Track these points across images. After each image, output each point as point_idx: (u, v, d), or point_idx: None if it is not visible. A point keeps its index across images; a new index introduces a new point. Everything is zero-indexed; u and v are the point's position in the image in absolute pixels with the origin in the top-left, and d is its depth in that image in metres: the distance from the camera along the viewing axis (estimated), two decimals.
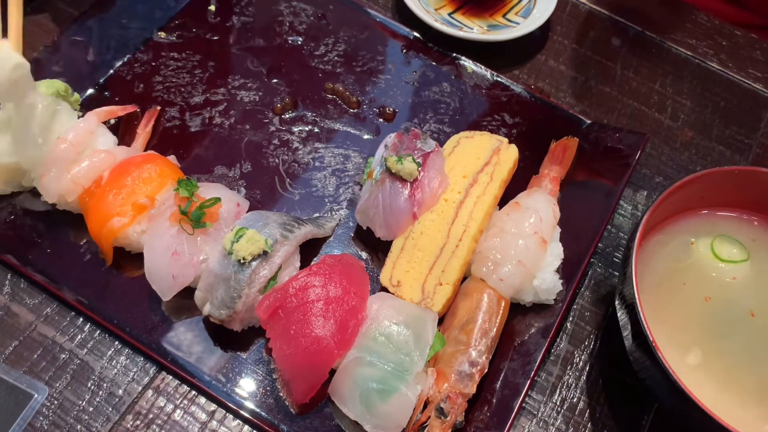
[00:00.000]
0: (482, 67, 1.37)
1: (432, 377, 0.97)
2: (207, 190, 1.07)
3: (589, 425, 1.04)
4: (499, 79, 1.36)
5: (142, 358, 1.04)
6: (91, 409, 1.00)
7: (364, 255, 1.16)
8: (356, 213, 1.15)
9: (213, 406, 1.02)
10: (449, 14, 1.46)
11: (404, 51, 1.40)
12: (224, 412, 1.01)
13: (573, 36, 1.48)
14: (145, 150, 1.21)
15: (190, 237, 1.02)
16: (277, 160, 1.24)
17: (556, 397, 1.06)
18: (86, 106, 1.24)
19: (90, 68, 1.30)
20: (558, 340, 1.11)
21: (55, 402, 1.00)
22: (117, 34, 1.34)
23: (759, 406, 0.92)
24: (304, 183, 1.22)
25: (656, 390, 0.95)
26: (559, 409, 1.06)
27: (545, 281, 1.06)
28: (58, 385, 1.01)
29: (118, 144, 1.19)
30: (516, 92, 1.35)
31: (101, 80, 1.30)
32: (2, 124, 1.12)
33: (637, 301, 0.89)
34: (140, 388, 1.02)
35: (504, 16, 1.47)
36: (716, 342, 0.96)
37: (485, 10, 1.48)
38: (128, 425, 0.99)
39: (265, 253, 1.00)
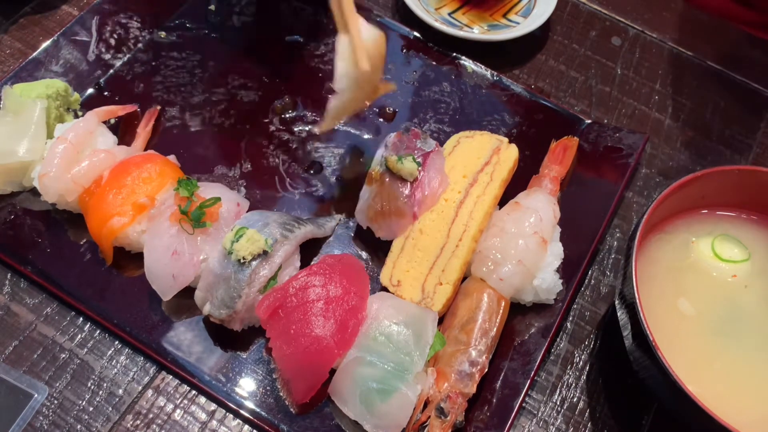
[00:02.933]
0: (482, 67, 1.37)
1: (432, 377, 0.97)
2: (207, 190, 1.07)
3: (589, 425, 1.04)
4: (499, 79, 1.36)
5: (142, 358, 1.04)
6: (91, 408, 1.00)
7: (364, 255, 1.16)
8: (356, 213, 1.15)
9: (213, 406, 1.02)
10: (449, 14, 1.46)
11: (404, 51, 1.39)
12: (224, 411, 1.01)
13: (573, 36, 1.47)
14: (145, 150, 1.21)
15: (190, 237, 1.02)
16: (277, 160, 1.24)
17: (556, 396, 1.06)
18: (86, 106, 1.24)
19: (90, 68, 1.30)
20: (558, 340, 1.11)
21: (55, 402, 1.00)
22: (117, 34, 1.34)
23: (762, 405, 0.92)
24: (304, 183, 1.22)
25: (656, 390, 0.95)
26: (559, 408, 1.05)
27: (545, 281, 1.06)
28: (58, 384, 1.01)
29: (118, 144, 1.19)
30: (516, 92, 1.35)
31: (101, 80, 1.30)
32: (3, 124, 1.12)
33: (637, 301, 0.88)
34: (140, 387, 1.02)
35: (504, 16, 1.47)
36: (717, 342, 0.96)
37: (485, 10, 1.48)
38: (128, 425, 0.99)
39: (265, 252, 1.00)
